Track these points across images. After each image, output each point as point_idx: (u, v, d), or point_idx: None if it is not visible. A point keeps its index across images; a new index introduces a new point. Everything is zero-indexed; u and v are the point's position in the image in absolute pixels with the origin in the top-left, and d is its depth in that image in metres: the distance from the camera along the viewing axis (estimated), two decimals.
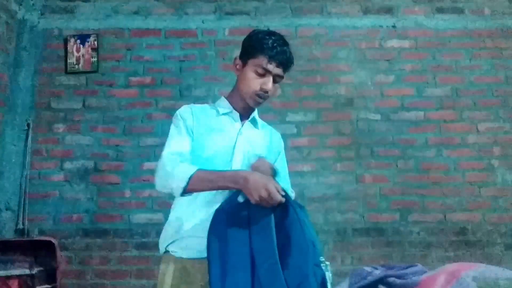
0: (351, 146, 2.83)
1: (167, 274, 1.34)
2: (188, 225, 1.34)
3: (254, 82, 1.38)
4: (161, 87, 2.90)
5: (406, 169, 2.81)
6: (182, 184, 1.26)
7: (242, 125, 1.46)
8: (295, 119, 2.85)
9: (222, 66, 2.89)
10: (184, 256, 1.33)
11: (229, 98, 1.49)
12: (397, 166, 2.82)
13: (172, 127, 1.43)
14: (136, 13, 2.99)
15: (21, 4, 2.86)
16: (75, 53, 2.91)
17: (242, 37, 1.46)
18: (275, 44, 1.38)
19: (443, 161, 2.82)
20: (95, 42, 2.91)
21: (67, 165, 2.80)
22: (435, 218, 2.75)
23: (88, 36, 2.92)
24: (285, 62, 1.39)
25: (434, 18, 3.00)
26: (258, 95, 1.39)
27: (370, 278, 1.39)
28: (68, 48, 2.91)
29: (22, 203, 2.70)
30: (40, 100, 2.88)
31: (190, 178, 1.26)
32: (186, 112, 1.44)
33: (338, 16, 2.99)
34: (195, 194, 1.32)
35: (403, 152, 2.83)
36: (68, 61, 2.90)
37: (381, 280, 1.38)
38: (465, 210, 2.76)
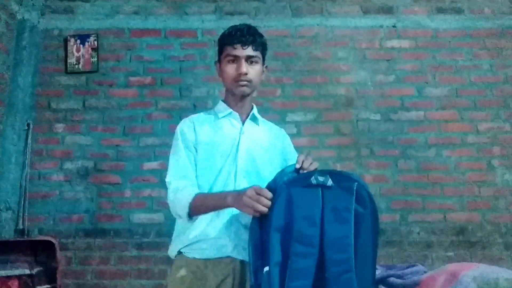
0: (351, 146, 2.83)
1: (180, 275, 1.34)
2: (202, 227, 1.34)
3: (230, 71, 1.42)
4: (161, 87, 2.90)
5: (406, 169, 2.81)
6: (185, 210, 1.31)
7: (243, 124, 1.47)
8: (295, 119, 2.85)
9: None
10: (197, 256, 1.34)
11: (225, 100, 1.51)
12: (397, 166, 2.82)
13: (173, 145, 1.46)
14: (136, 13, 2.99)
15: (21, 4, 2.86)
16: (75, 53, 2.91)
17: None
18: (231, 30, 1.43)
19: (443, 161, 2.82)
20: (95, 42, 2.91)
21: (67, 165, 2.80)
22: (435, 218, 2.74)
23: (88, 36, 2.92)
24: (246, 39, 1.40)
25: (434, 18, 3.00)
26: (238, 81, 1.41)
27: None
28: (68, 48, 2.91)
29: (22, 203, 2.70)
30: (40, 100, 2.88)
31: (190, 204, 1.30)
32: (186, 126, 1.46)
33: (338, 16, 2.99)
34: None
35: (403, 152, 2.83)
36: (68, 61, 2.90)
37: (382, 280, 1.39)
38: (465, 210, 2.76)
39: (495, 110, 2.89)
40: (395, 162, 2.82)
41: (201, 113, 1.53)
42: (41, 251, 2.38)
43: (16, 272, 2.26)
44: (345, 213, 1.07)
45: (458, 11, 3.00)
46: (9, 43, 2.79)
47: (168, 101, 2.87)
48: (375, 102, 2.89)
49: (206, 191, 1.37)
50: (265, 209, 1.11)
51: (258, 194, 1.12)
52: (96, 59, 2.90)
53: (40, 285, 2.29)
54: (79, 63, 2.90)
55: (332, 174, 1.12)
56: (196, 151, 1.42)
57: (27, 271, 2.28)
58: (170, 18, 2.98)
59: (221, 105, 1.51)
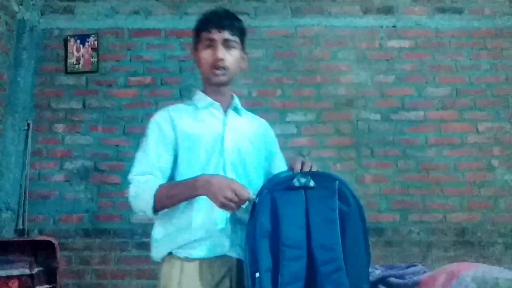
0: (351, 146, 2.83)
1: (173, 276, 1.27)
2: (195, 226, 1.27)
3: (206, 57, 1.36)
4: (161, 87, 2.90)
5: (406, 169, 2.81)
6: (150, 205, 1.24)
7: (226, 115, 1.40)
8: (295, 119, 2.85)
9: None
10: (191, 256, 1.26)
11: (204, 90, 1.44)
12: (397, 166, 2.82)
13: (144, 138, 1.36)
14: (136, 13, 2.99)
15: (21, 4, 2.86)
16: (75, 53, 2.91)
17: None
18: (206, 15, 1.38)
19: (443, 161, 2.82)
20: (95, 42, 2.91)
21: (67, 165, 2.80)
22: (435, 218, 2.75)
23: (88, 36, 2.92)
24: (222, 23, 1.34)
25: (434, 18, 3.00)
26: (214, 67, 1.35)
27: (370, 278, 1.39)
28: (68, 48, 2.91)
29: (22, 203, 2.70)
30: (40, 100, 2.88)
31: (155, 196, 1.24)
32: (162, 118, 1.37)
33: (338, 16, 2.99)
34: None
35: (403, 152, 2.83)
36: (68, 61, 2.90)
37: (381, 280, 1.38)
38: (465, 210, 2.76)
39: (495, 110, 2.89)
40: (395, 162, 2.82)
41: (179, 104, 1.45)
42: (41, 251, 2.37)
43: (16, 272, 2.25)
44: (330, 213, 1.08)
45: (458, 11, 3.00)
46: (9, 43, 2.78)
47: (168, 101, 2.82)
48: (375, 102, 2.89)
49: None
50: (248, 196, 1.13)
51: (236, 198, 1.13)
52: (96, 59, 2.90)
53: (40, 285, 2.29)
54: (79, 63, 2.90)
55: (314, 175, 1.13)
56: (177, 145, 1.33)
57: (27, 271, 2.28)
58: (170, 18, 2.98)
59: (200, 95, 1.43)
